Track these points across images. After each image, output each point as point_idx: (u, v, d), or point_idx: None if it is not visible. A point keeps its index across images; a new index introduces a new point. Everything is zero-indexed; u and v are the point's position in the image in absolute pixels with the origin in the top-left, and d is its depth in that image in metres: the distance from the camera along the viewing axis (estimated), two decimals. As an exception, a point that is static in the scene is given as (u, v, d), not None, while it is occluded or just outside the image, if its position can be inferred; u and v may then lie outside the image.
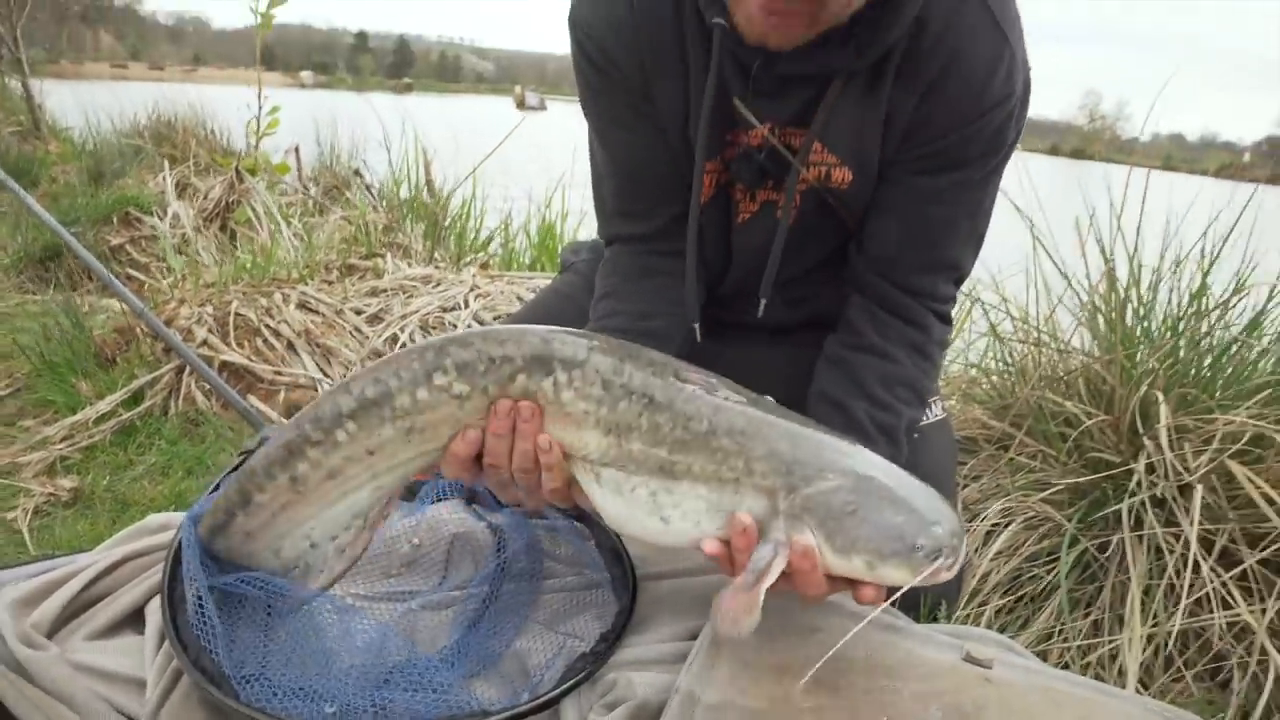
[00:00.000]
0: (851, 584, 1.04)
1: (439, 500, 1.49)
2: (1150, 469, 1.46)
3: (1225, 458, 1.38)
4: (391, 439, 1.11)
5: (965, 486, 1.77)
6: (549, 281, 2.44)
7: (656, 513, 1.06)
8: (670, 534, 1.08)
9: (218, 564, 1.24)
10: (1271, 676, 1.23)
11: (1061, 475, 1.65)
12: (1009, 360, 1.99)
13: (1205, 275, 1.77)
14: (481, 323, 2.18)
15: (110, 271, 2.64)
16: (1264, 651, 1.24)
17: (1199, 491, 1.33)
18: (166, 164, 4.12)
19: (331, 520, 1.17)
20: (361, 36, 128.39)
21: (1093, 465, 1.62)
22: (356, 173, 4.30)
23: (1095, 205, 1.83)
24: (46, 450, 1.92)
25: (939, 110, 1.23)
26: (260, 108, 3.42)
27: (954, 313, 1.42)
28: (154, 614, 1.27)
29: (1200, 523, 1.36)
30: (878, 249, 1.34)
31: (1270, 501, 1.30)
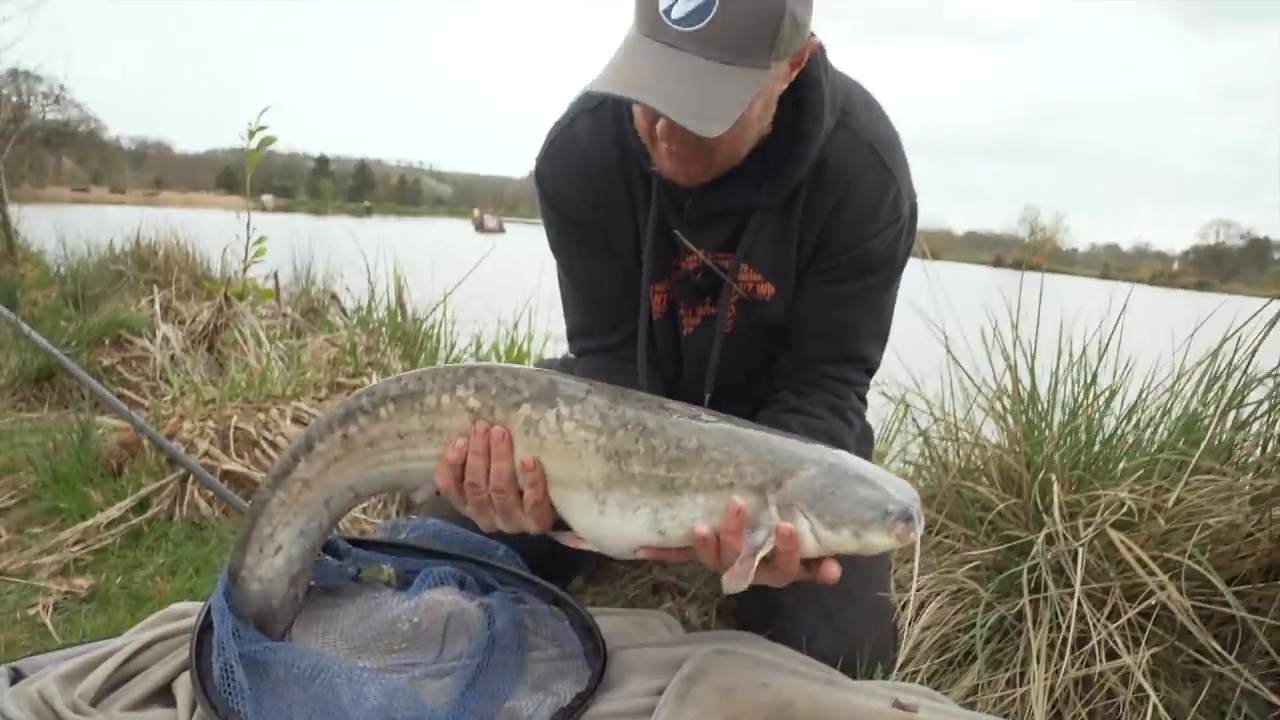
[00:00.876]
0: (815, 566, 1.27)
1: (435, 586, 1.69)
2: (1049, 540, 1.70)
3: (1107, 527, 1.63)
4: (417, 431, 1.36)
5: (897, 570, 1.99)
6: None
7: (655, 528, 1.27)
8: (668, 541, 1.29)
9: (242, 622, 1.44)
10: (1150, 711, 1.45)
11: (979, 552, 1.88)
12: (934, 456, 2.24)
13: (1094, 375, 2.06)
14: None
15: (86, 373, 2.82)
16: (1141, 689, 1.47)
17: (1082, 555, 1.57)
18: (155, 289, 4.33)
19: (371, 482, 1.43)
20: (322, 161, 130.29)
21: (1005, 540, 1.86)
22: (334, 297, 4.57)
23: (998, 317, 2.11)
24: (60, 553, 2.08)
25: (840, 232, 1.53)
26: (249, 237, 3.68)
27: (869, 396, 1.78)
28: (183, 688, 1.45)
29: (1088, 583, 1.59)
30: (796, 346, 1.64)
31: (1142, 563, 1.55)
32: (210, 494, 2.27)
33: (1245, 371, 1.83)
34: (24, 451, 2.70)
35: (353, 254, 4.96)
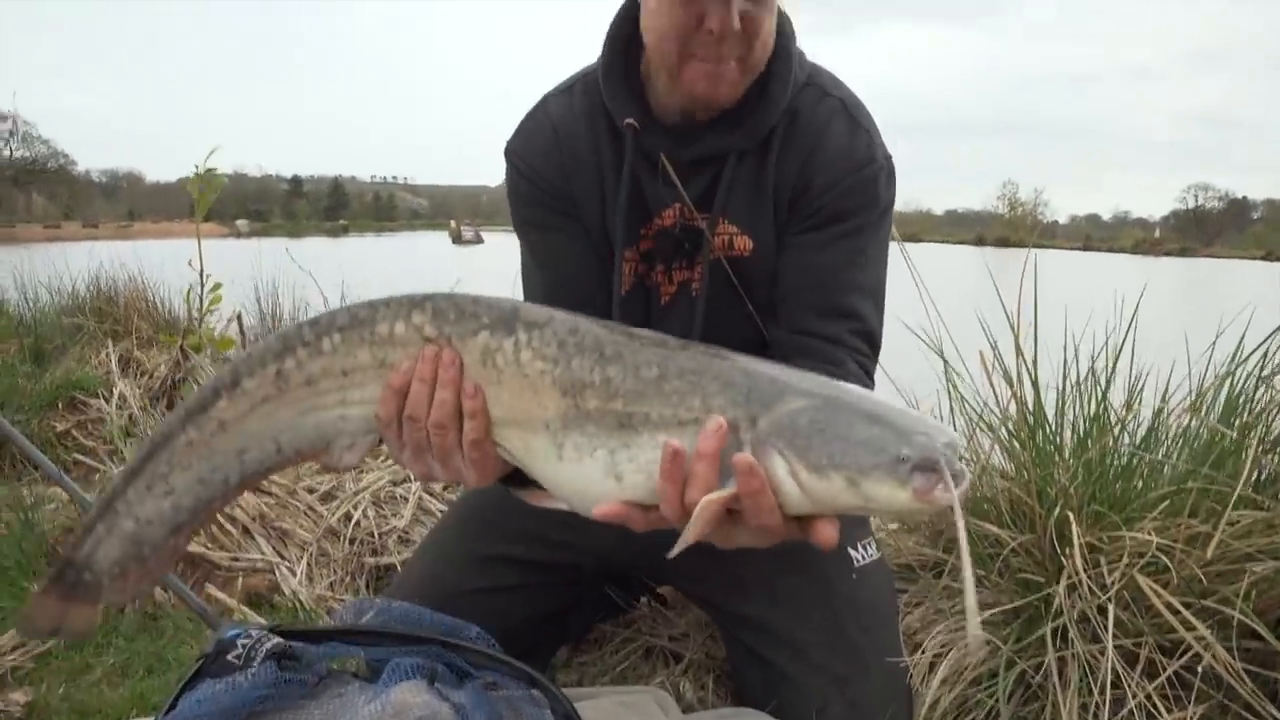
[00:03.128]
0: (807, 524, 1.03)
1: (403, 680, 1.53)
2: (1071, 588, 1.56)
3: (1135, 573, 1.48)
4: (365, 366, 1.18)
5: (907, 614, 1.85)
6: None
7: (611, 471, 1.06)
8: (625, 490, 1.07)
9: None
10: (1200, 782, 1.31)
11: (995, 597, 1.74)
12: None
13: (1104, 395, 1.92)
14: (430, 494, 2.26)
15: (56, 458, 2.66)
16: (1188, 759, 1.32)
17: (1112, 609, 1.43)
18: (110, 341, 4.16)
19: (300, 432, 1.22)
20: (295, 181, 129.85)
21: (1022, 585, 1.71)
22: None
23: (997, 335, 1.97)
24: (-2, 661, 1.91)
25: (816, 175, 1.53)
26: (202, 286, 3.51)
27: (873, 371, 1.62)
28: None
29: (1119, 637, 1.45)
30: (783, 308, 1.57)
31: (1175, 611, 1.40)
32: (165, 582, 2.10)
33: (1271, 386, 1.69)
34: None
35: (325, 282, 4.81)
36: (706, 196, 1.57)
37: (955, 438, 0.99)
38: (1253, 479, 1.68)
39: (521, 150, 1.66)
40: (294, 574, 2.09)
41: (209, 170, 3.43)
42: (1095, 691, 1.42)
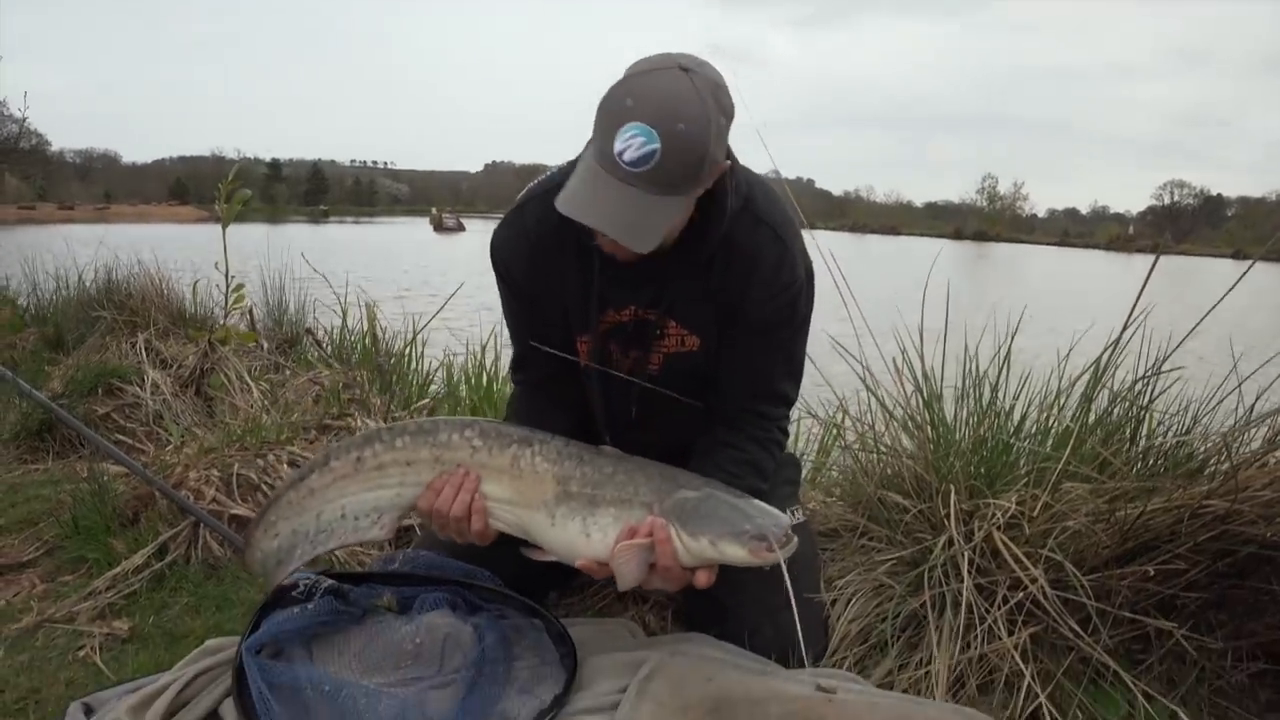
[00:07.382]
0: (693, 573, 1.69)
1: (431, 610, 1.98)
2: (949, 543, 2.03)
3: (994, 530, 1.96)
4: (424, 460, 1.79)
5: (829, 565, 2.31)
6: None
7: (584, 532, 1.71)
8: (591, 545, 1.71)
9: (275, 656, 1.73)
10: (1025, 684, 1.78)
11: (895, 551, 2.21)
12: (860, 468, 2.57)
13: (994, 391, 2.39)
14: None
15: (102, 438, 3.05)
16: (1015, 663, 1.80)
17: (968, 556, 1.90)
18: (137, 331, 4.53)
19: (361, 503, 1.83)
20: (274, 165, 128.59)
21: (916, 541, 2.18)
22: (308, 331, 4.81)
23: (906, 344, 2.43)
24: (96, 600, 2.34)
25: (749, 297, 1.88)
26: (228, 285, 3.92)
27: (791, 427, 2.11)
28: (229, 712, 1.74)
29: (978, 578, 1.92)
30: (726, 389, 1.99)
31: (1017, 560, 1.87)
32: (220, 536, 2.53)
33: (1113, 390, 2.17)
34: (40, 504, 2.95)
35: (322, 275, 5.20)
36: (656, 298, 1.90)
37: (782, 520, 1.65)
38: (1097, 459, 2.16)
39: (500, 249, 1.98)
40: (331, 533, 2.54)
41: (235, 184, 3.82)
42: (958, 617, 1.89)
